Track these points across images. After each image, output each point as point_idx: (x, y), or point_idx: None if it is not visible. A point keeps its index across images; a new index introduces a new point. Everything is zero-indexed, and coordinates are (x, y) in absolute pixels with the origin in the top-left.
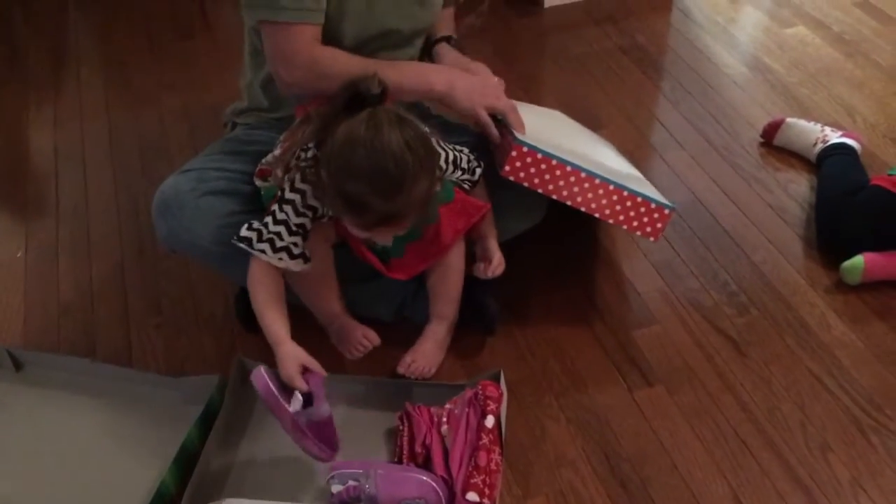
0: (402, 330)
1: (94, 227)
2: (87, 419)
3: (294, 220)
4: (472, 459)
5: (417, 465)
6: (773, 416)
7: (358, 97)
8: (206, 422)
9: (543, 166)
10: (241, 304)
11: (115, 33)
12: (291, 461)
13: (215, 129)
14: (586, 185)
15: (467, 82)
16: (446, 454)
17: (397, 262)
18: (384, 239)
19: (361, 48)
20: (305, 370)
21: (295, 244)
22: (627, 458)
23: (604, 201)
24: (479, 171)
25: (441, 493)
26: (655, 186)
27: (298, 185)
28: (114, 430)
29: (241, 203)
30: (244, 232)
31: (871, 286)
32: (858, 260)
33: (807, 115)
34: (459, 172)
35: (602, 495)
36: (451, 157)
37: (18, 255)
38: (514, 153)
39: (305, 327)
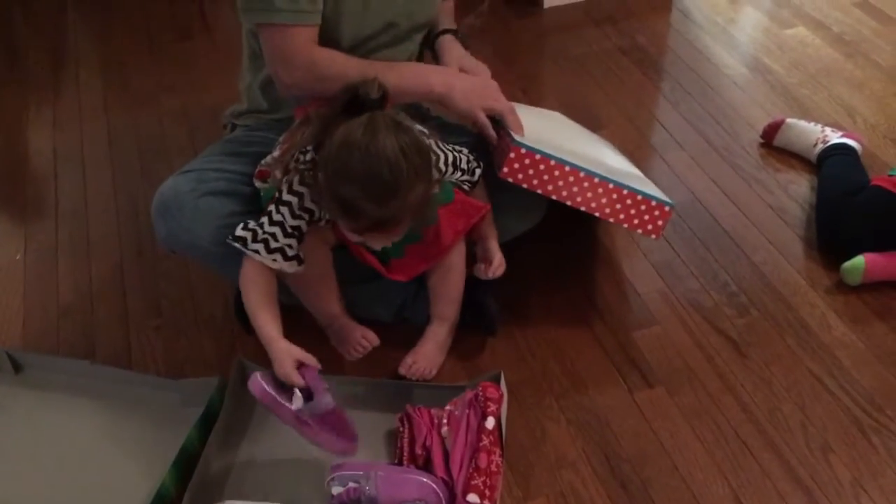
0: (402, 331)
1: (93, 229)
2: (86, 421)
3: (290, 222)
4: (473, 461)
5: (418, 467)
6: (773, 417)
7: (357, 100)
8: (206, 424)
9: (542, 167)
10: (240, 305)
11: (114, 34)
12: (292, 463)
13: (215, 130)
14: (585, 184)
15: (466, 83)
16: (447, 456)
17: (397, 263)
18: (378, 244)
19: (360, 46)
20: (302, 366)
21: (290, 246)
22: (628, 459)
23: (603, 200)
24: (478, 171)
25: (441, 495)
26: (655, 187)
27: (296, 187)
28: (113, 433)
29: (241, 204)
30: (239, 231)
31: (872, 287)
32: (859, 260)
33: (807, 115)
34: (459, 173)
35: (602, 496)
36: (450, 159)
37: (18, 256)
38: (512, 155)
39: (304, 328)
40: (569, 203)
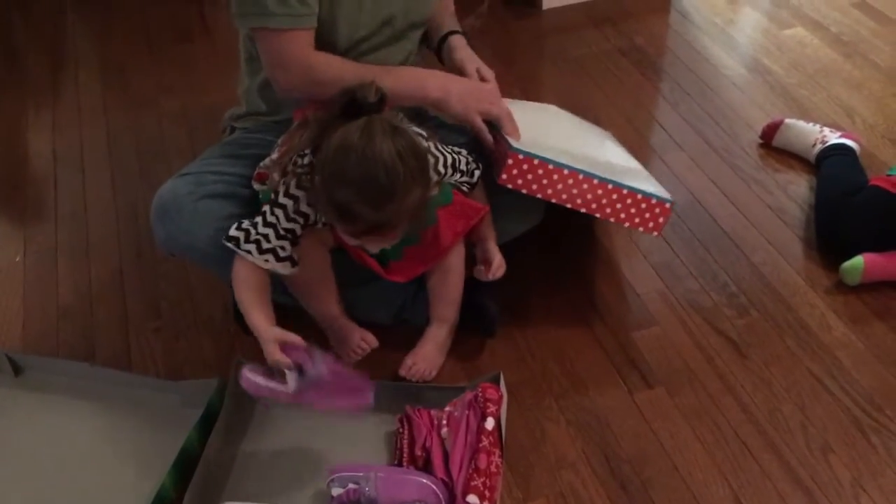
0: (401, 332)
1: (92, 231)
2: (86, 423)
3: (283, 224)
4: (473, 462)
5: (418, 468)
6: (773, 418)
7: (355, 104)
8: (206, 425)
9: (541, 171)
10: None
11: (113, 36)
12: (292, 463)
13: (214, 131)
14: (585, 186)
15: (462, 87)
16: (446, 457)
17: (396, 264)
18: (375, 247)
19: (357, 46)
20: (288, 345)
21: (282, 248)
22: (628, 459)
23: (604, 201)
24: (477, 172)
25: (441, 496)
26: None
27: (293, 190)
28: (113, 434)
29: (239, 206)
30: (233, 231)
31: (871, 287)
32: (858, 260)
33: (806, 116)
34: (458, 175)
35: (602, 497)
36: (449, 161)
37: (17, 258)
38: (510, 161)
39: (304, 329)
40: (569, 206)
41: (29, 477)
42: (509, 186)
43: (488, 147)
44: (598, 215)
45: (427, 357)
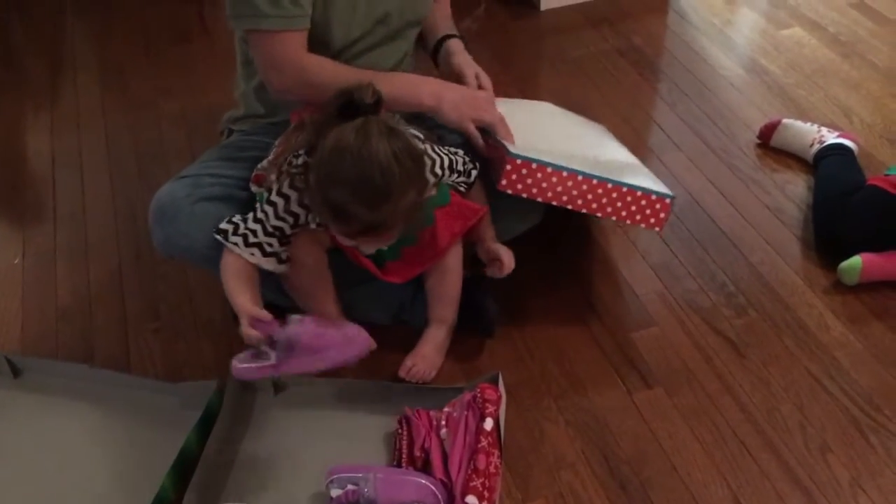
0: (399, 333)
1: (91, 233)
2: (85, 425)
3: (272, 221)
4: (472, 462)
5: (416, 469)
6: (772, 417)
7: (352, 105)
8: (205, 426)
9: (539, 175)
10: None
11: (112, 38)
12: (291, 464)
13: (213, 133)
14: (584, 186)
15: (456, 95)
16: (445, 457)
17: (393, 265)
18: (370, 248)
19: (351, 47)
20: (260, 322)
21: (269, 244)
22: (627, 460)
23: (604, 200)
24: (474, 172)
25: (440, 497)
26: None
27: (285, 190)
28: (112, 436)
29: (237, 209)
30: (223, 224)
31: (869, 286)
32: (856, 260)
33: (803, 116)
34: (455, 175)
35: (602, 497)
36: (446, 162)
37: (16, 260)
38: (508, 167)
39: None
40: (570, 207)
41: (28, 479)
42: (509, 192)
43: (481, 153)
44: (598, 215)
45: (426, 358)
